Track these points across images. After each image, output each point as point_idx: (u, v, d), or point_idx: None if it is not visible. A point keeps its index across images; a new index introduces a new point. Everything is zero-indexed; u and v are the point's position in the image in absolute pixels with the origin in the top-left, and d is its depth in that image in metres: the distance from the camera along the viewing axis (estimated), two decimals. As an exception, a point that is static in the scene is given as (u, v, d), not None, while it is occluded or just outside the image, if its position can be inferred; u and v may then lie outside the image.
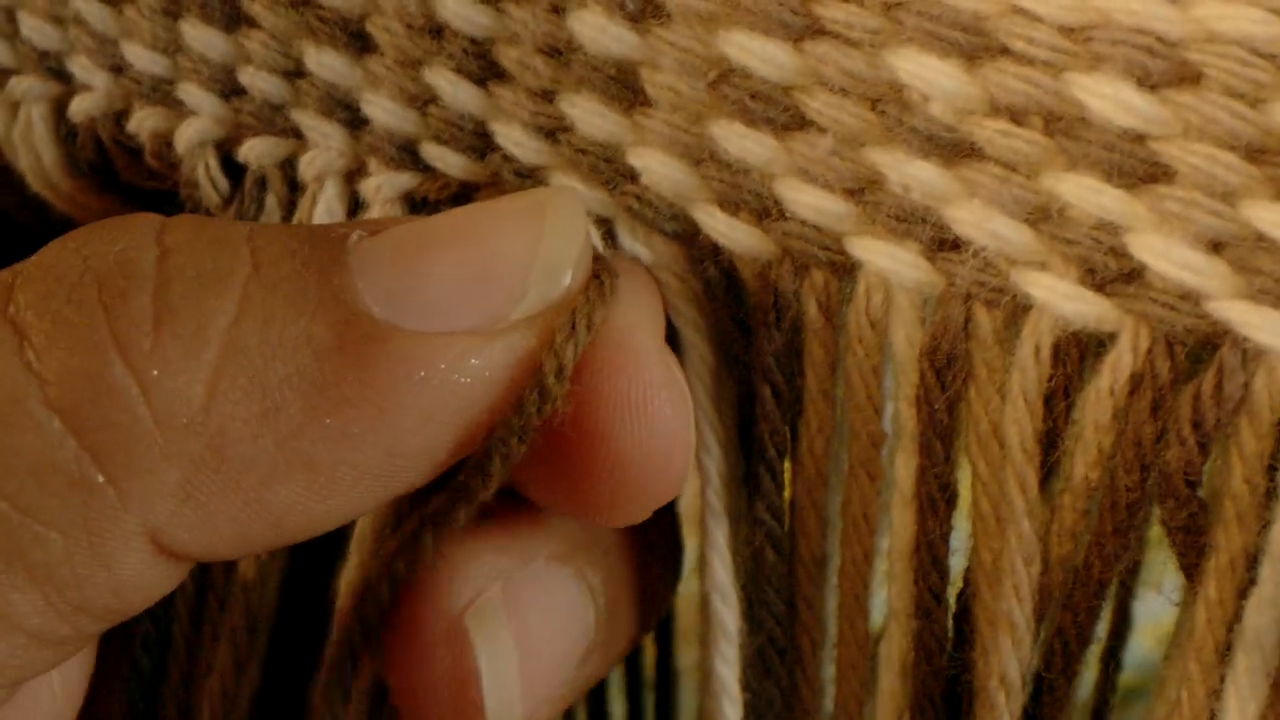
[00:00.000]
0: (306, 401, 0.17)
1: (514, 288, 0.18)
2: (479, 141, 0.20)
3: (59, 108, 0.23)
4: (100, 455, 0.16)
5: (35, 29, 0.23)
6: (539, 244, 0.18)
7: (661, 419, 0.18)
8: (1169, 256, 0.17)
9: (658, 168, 0.19)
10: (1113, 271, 0.18)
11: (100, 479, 0.16)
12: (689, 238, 0.20)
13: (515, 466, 0.18)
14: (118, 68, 0.22)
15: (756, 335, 0.20)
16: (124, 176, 0.23)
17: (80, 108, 0.23)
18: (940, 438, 0.19)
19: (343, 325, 0.17)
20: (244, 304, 0.17)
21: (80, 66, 0.23)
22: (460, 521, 0.18)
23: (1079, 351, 0.18)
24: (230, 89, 0.22)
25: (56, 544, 0.16)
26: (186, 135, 0.22)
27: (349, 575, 0.21)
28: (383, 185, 0.21)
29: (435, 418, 0.17)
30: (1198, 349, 0.17)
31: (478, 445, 0.18)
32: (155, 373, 0.17)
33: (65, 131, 0.23)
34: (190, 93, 0.22)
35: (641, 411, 0.18)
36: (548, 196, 0.19)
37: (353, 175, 0.21)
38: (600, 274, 0.18)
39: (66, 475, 0.16)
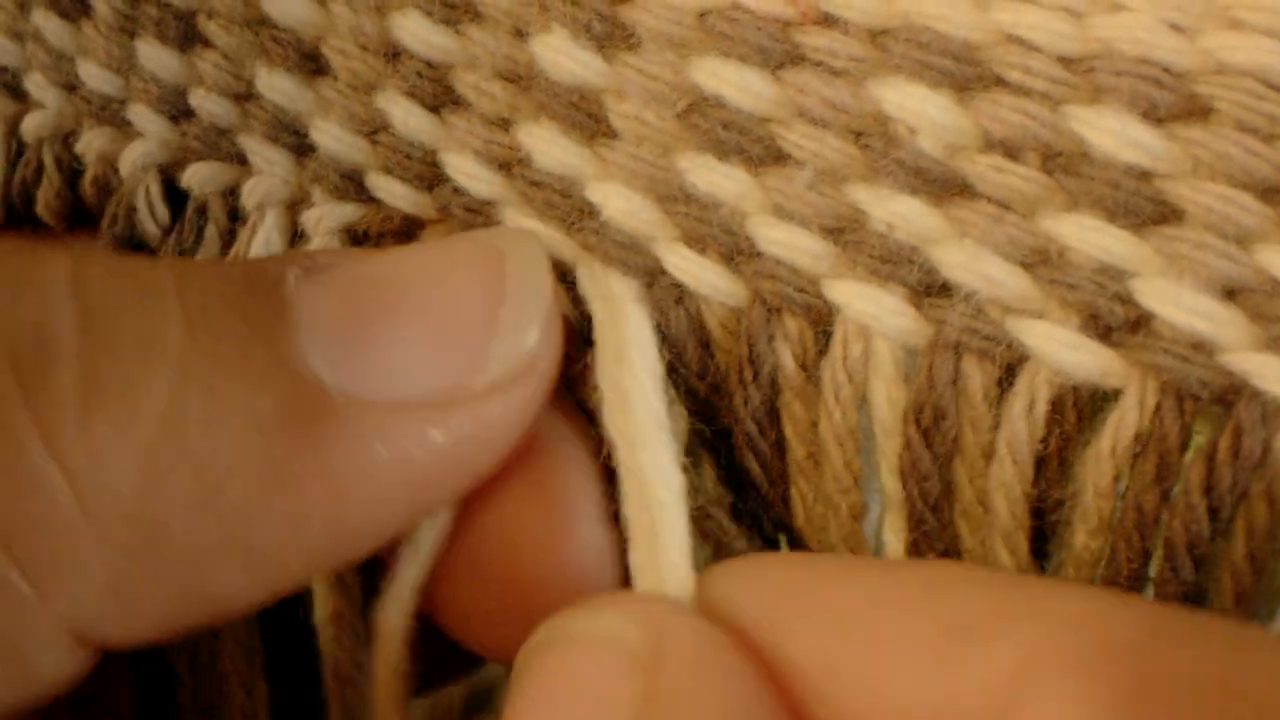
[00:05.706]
0: (250, 483, 0.15)
1: (475, 353, 0.16)
2: (428, 172, 0.19)
3: (13, 127, 0.22)
4: (21, 556, 0.15)
5: None
6: (500, 305, 0.16)
7: (576, 559, 0.17)
8: (1179, 303, 0.16)
9: (619, 202, 0.18)
10: (1117, 319, 0.16)
11: (20, 583, 0.15)
12: (651, 278, 0.18)
13: None
14: (71, 85, 0.22)
15: (732, 395, 0.18)
16: (40, 208, 0.22)
17: (31, 126, 0.22)
18: (932, 508, 0.17)
19: (290, 396, 0.16)
20: (180, 375, 0.15)
21: (35, 84, 0.22)
22: None
23: (1077, 410, 0.16)
24: (179, 111, 0.21)
25: None
26: (131, 158, 0.21)
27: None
28: (324, 216, 0.19)
29: (389, 496, 0.16)
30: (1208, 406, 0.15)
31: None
32: (83, 460, 0.15)
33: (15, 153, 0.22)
34: (139, 114, 0.21)
35: (552, 549, 0.16)
36: (506, 243, 0.17)
37: (296, 205, 0.20)
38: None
39: None
